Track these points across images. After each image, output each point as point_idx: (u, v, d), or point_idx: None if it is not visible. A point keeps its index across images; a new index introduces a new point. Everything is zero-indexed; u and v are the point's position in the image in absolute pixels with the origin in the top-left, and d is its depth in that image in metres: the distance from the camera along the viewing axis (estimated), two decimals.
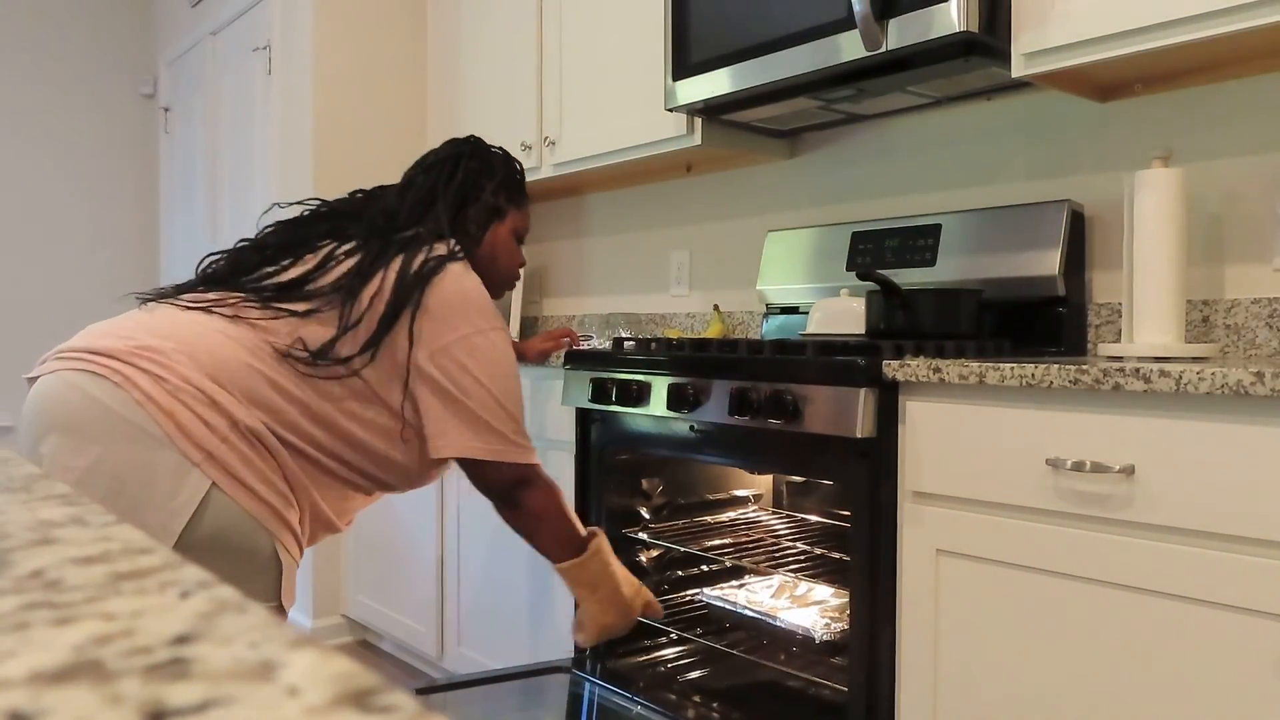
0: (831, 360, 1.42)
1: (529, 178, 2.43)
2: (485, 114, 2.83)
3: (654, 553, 1.96)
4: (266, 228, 1.49)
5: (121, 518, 1.22)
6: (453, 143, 1.58)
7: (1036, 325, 1.76)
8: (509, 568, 2.21)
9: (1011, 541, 1.26)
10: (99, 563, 0.30)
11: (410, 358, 1.35)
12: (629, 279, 2.82)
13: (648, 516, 2.00)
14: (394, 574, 2.68)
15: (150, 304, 1.36)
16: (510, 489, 1.44)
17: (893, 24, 1.61)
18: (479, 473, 1.42)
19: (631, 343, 1.86)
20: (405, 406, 1.37)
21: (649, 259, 2.75)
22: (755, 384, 1.52)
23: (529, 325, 3.17)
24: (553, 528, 1.48)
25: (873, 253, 2.00)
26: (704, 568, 2.03)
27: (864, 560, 1.40)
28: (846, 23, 1.68)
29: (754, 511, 2.17)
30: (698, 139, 2.14)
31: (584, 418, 1.91)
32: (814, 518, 2.11)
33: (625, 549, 1.87)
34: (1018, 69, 1.56)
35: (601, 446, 1.88)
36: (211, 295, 1.36)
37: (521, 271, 1.77)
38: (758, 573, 1.91)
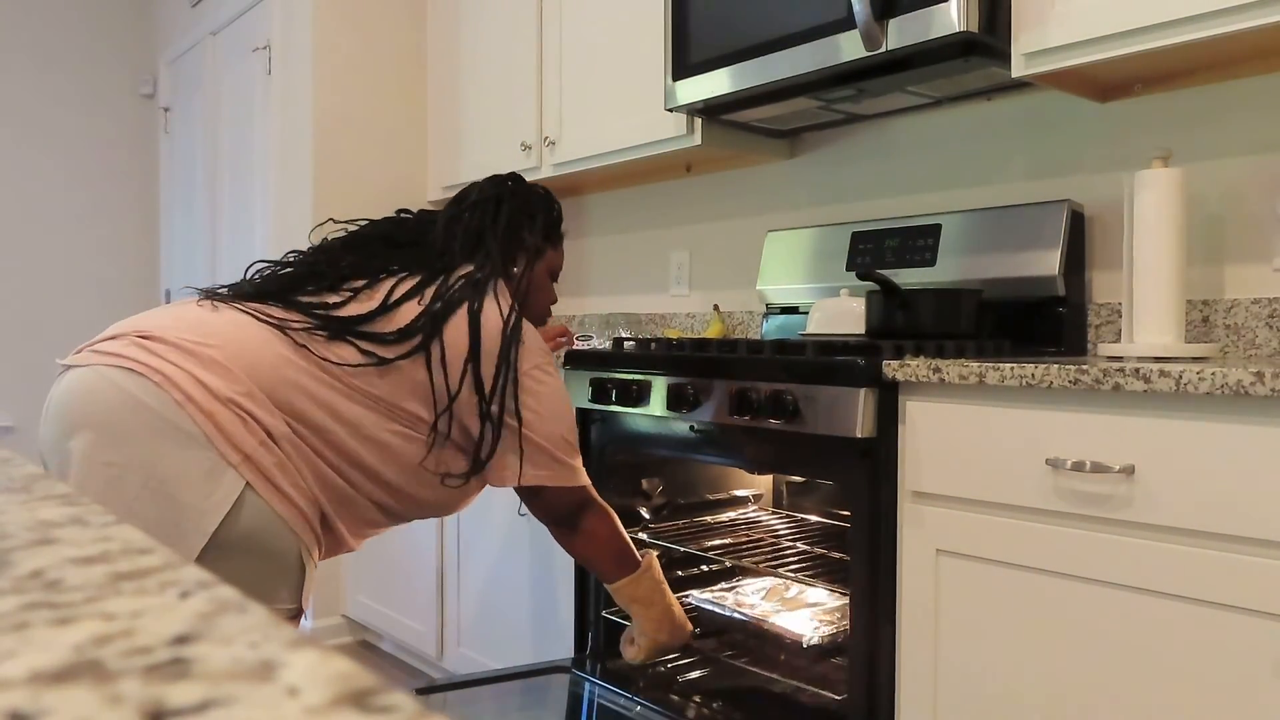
0: (831, 360, 1.42)
1: (529, 178, 2.43)
2: (485, 114, 2.83)
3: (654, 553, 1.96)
4: (317, 246, 1.49)
5: (155, 515, 1.22)
6: (496, 180, 1.58)
7: (1036, 325, 1.76)
8: (509, 568, 2.21)
9: (1011, 541, 1.26)
10: (99, 563, 0.30)
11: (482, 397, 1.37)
12: (629, 279, 2.82)
13: (648, 517, 2.00)
14: (394, 574, 2.68)
15: (201, 302, 1.35)
16: (570, 513, 1.49)
17: (893, 24, 1.61)
18: (539, 499, 1.46)
19: (631, 343, 1.86)
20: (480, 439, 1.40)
21: (649, 259, 2.75)
22: (755, 384, 1.52)
23: None
24: (611, 549, 1.53)
25: (873, 253, 2.00)
26: (704, 568, 2.03)
27: (864, 560, 1.40)
28: (846, 23, 1.68)
29: (754, 511, 2.17)
30: (698, 139, 2.14)
31: (584, 418, 1.91)
32: (814, 518, 2.11)
33: None
34: (1018, 69, 1.56)
35: (601, 446, 1.88)
36: (267, 308, 1.34)
37: (553, 309, 1.80)
38: (757, 573, 1.91)
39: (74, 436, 1.20)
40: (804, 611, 1.77)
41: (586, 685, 1.77)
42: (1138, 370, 1.12)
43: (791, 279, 2.17)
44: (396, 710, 0.19)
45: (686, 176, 2.61)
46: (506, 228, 1.52)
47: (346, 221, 1.55)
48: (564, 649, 2.00)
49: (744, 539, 2.02)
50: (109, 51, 4.15)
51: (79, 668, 0.21)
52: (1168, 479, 1.11)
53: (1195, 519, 1.09)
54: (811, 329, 1.83)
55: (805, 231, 2.17)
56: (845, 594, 1.50)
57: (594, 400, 1.83)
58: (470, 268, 1.45)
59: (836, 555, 1.86)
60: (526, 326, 1.44)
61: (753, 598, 1.84)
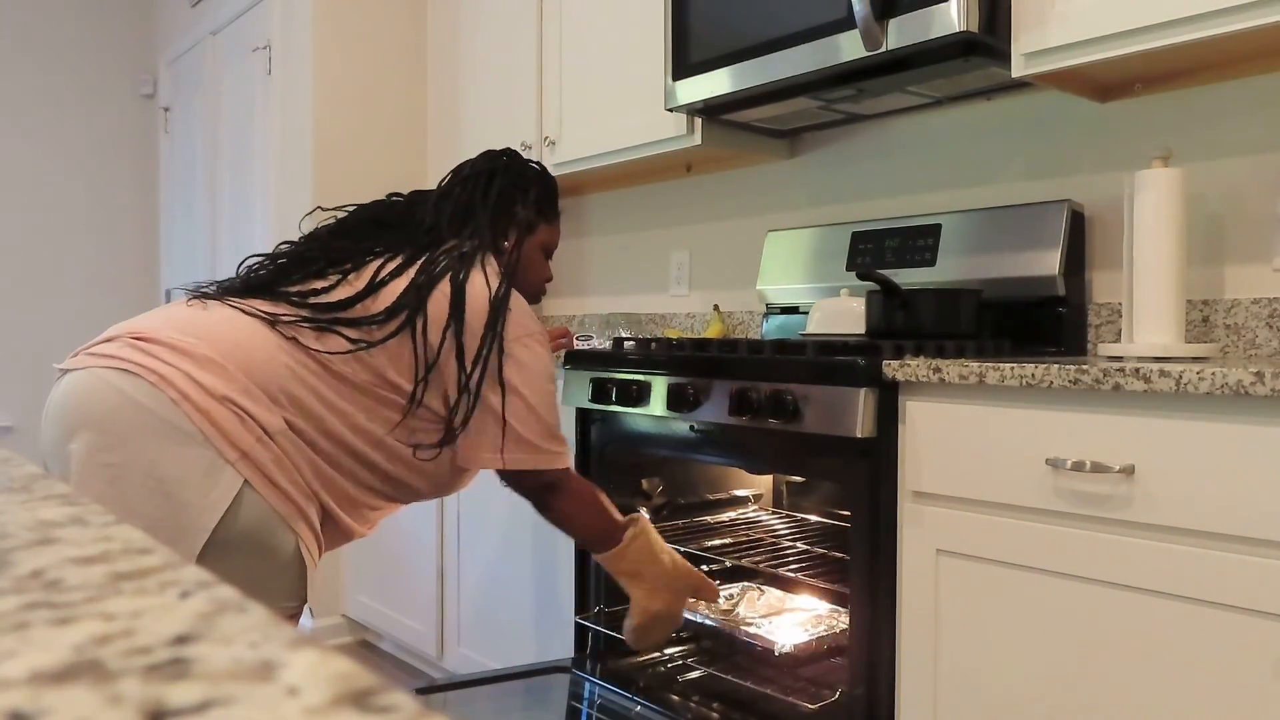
0: (831, 360, 1.42)
1: None
2: (485, 114, 2.83)
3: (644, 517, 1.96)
4: (308, 235, 1.48)
5: (155, 514, 1.22)
6: (489, 155, 1.57)
7: (1036, 325, 1.76)
8: (510, 567, 2.21)
9: (1011, 541, 1.26)
10: (99, 563, 0.30)
11: (460, 369, 1.36)
12: (629, 279, 2.82)
13: (648, 516, 2.00)
14: (394, 574, 2.68)
15: (192, 301, 1.35)
16: (539, 492, 1.47)
17: (893, 24, 1.61)
18: (508, 476, 1.45)
19: (631, 343, 1.86)
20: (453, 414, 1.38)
21: (649, 259, 2.75)
22: (755, 384, 1.52)
23: None
24: (586, 526, 1.50)
25: (873, 253, 2.00)
26: (704, 568, 2.02)
27: (864, 560, 1.40)
28: (846, 23, 1.68)
29: (754, 511, 2.17)
30: (698, 139, 2.14)
31: (584, 418, 1.91)
32: (814, 518, 2.11)
33: None
34: (1018, 69, 1.56)
35: (601, 446, 1.88)
36: (256, 302, 1.34)
37: (548, 286, 1.78)
38: (755, 574, 1.91)
39: (73, 439, 1.21)
40: (786, 616, 1.77)
41: (586, 685, 1.77)
42: (1138, 370, 1.12)
43: (791, 279, 2.17)
44: (396, 710, 0.19)
45: (686, 176, 2.61)
46: (497, 201, 1.50)
47: (335, 208, 1.53)
48: (564, 649, 2.00)
49: (744, 539, 2.02)
50: (109, 52, 4.15)
51: (79, 668, 0.21)
52: (1168, 479, 1.11)
53: (1195, 519, 1.09)
54: (811, 329, 1.83)
55: (805, 231, 2.17)
56: (837, 604, 1.50)
57: (594, 400, 1.83)
58: (458, 242, 1.44)
59: (836, 555, 1.86)
60: (516, 298, 1.41)
61: (742, 608, 1.84)
